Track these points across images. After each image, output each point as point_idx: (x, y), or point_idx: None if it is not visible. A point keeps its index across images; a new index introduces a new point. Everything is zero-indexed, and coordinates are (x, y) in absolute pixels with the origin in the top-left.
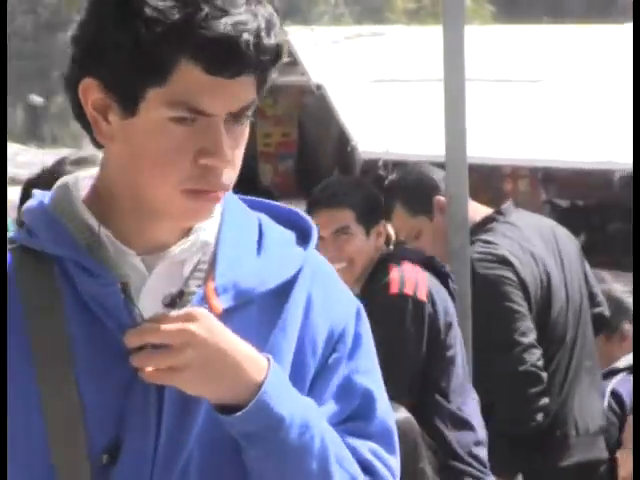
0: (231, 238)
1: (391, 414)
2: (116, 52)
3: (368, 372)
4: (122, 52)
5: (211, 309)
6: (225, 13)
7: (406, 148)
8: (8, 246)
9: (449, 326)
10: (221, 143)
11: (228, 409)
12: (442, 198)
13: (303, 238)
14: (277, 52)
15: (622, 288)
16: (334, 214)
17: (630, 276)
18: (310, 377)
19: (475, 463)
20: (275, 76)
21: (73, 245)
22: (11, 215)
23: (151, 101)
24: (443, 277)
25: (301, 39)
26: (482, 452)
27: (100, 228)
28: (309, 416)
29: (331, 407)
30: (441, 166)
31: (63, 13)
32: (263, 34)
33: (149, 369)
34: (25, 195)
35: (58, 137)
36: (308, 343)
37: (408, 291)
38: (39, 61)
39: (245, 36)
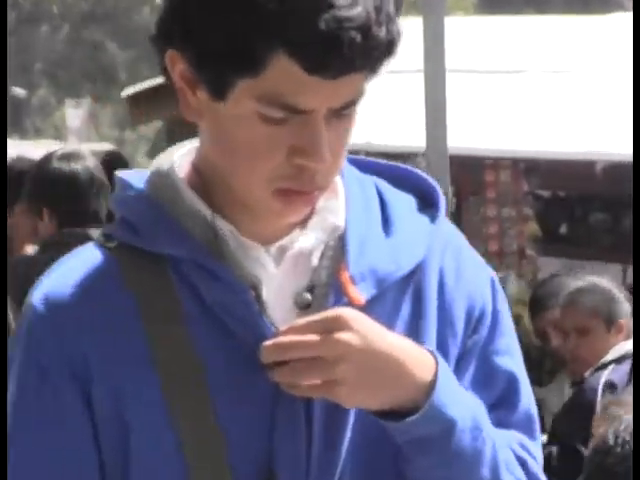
0: (356, 216)
1: (532, 396)
2: (205, 36)
3: (509, 352)
4: (211, 37)
5: (351, 302)
6: (328, 6)
7: (388, 139)
8: (106, 244)
9: None
10: (319, 143)
11: (392, 415)
12: None
13: (426, 203)
14: (389, 46)
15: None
16: None
17: (613, 268)
18: (453, 363)
19: None
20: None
21: (191, 243)
22: None
23: (241, 91)
24: None
25: None
26: None
27: (216, 219)
28: (479, 417)
29: (475, 395)
30: (422, 157)
31: (45, 6)
32: (374, 29)
33: (300, 383)
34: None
35: (41, 129)
36: (447, 325)
37: None
38: (21, 54)
39: (350, 34)
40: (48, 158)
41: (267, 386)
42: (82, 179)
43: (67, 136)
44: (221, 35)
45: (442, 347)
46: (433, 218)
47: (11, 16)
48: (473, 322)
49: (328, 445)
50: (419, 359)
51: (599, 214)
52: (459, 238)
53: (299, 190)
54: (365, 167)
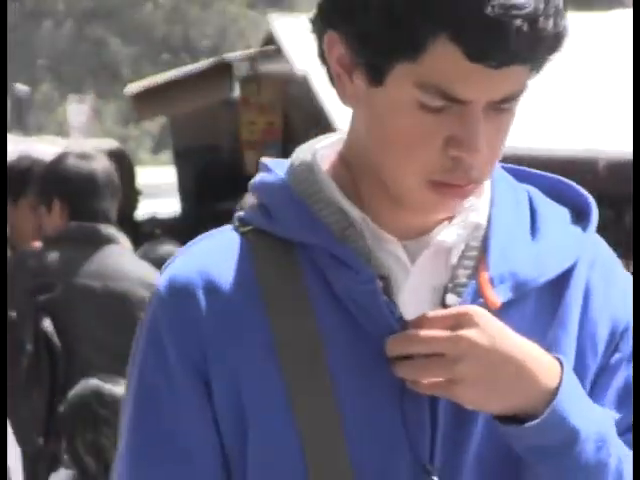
0: (503, 218)
1: None
2: (365, 15)
3: None
4: (372, 17)
5: (487, 303)
6: None
7: None
8: (240, 228)
9: None
10: (476, 134)
11: (512, 420)
12: None
13: (578, 216)
14: (556, 40)
15: None
16: None
17: None
18: (590, 379)
19: None
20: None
21: (325, 232)
22: None
23: (400, 76)
24: None
25: (285, 27)
26: None
27: (354, 210)
28: (605, 429)
29: (611, 415)
30: None
31: (48, 2)
32: (541, 20)
33: (421, 380)
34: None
35: (43, 125)
36: (588, 341)
37: None
38: (24, 50)
39: (516, 22)
40: (65, 155)
41: (394, 381)
42: (100, 179)
43: (70, 132)
44: (382, 16)
45: (581, 362)
46: (584, 230)
47: (14, 12)
48: (616, 340)
49: (451, 445)
50: (545, 364)
51: (602, 210)
52: (608, 253)
53: (453, 183)
54: (521, 176)
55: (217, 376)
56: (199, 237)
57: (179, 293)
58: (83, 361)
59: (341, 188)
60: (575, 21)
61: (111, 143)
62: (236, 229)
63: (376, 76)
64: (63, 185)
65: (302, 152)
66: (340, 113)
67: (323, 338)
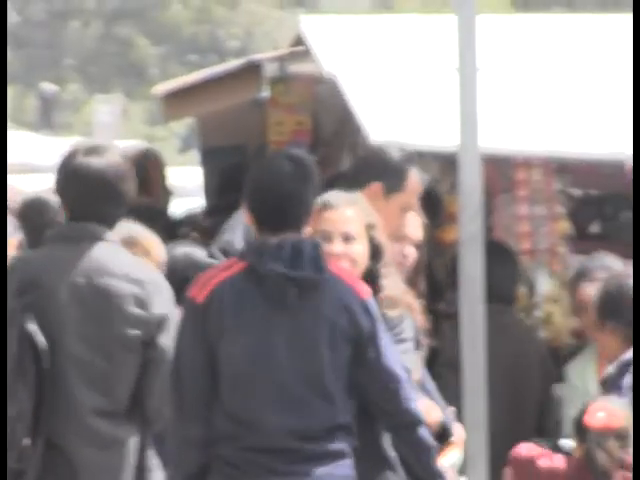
0: None
1: None
2: None
3: None
4: None
5: None
6: None
7: (421, 138)
8: None
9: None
10: None
11: None
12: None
13: None
14: None
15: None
16: None
17: None
18: None
19: None
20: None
21: None
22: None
23: None
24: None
25: (314, 28)
26: None
27: None
28: None
29: None
30: (453, 156)
31: (75, 1)
32: None
33: None
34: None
35: (71, 125)
36: None
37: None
38: (52, 49)
39: None
40: (73, 154)
41: None
42: (96, 178)
43: (96, 132)
44: None
45: None
46: None
47: (42, 11)
48: None
49: None
50: None
51: (630, 212)
52: None
53: None
54: None
55: None
56: None
57: None
58: (69, 356)
59: None
60: (603, 23)
61: (140, 144)
62: None
63: None
64: (66, 185)
65: None
66: (367, 114)
67: None
